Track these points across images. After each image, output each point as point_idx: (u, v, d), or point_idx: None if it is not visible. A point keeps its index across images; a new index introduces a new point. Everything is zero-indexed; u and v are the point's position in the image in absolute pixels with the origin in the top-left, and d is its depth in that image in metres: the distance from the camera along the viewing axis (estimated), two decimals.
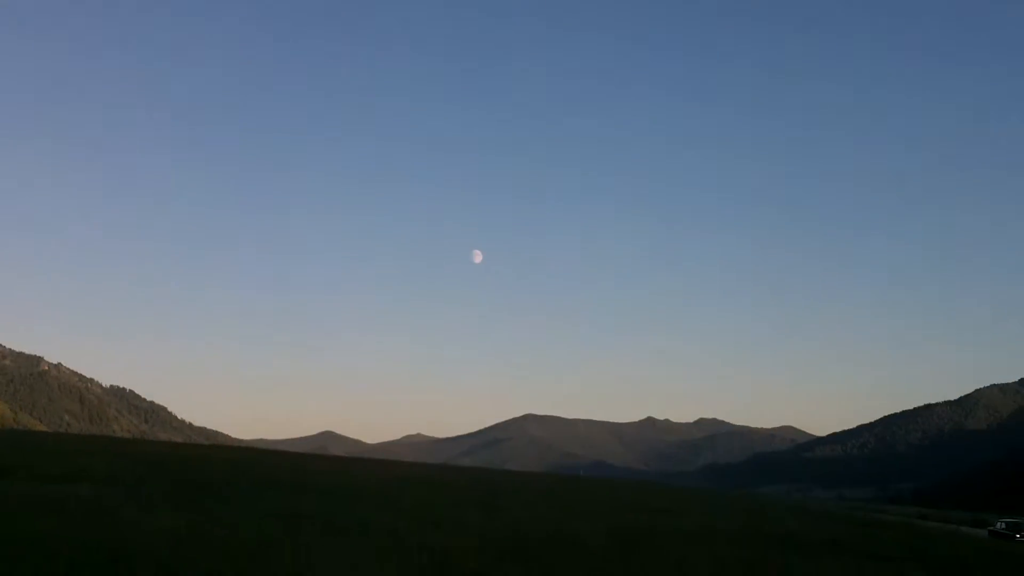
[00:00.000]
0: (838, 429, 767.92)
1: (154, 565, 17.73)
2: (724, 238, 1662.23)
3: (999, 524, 64.49)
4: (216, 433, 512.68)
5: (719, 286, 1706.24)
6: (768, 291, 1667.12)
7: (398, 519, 34.02)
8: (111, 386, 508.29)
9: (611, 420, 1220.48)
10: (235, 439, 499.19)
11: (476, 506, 43.67)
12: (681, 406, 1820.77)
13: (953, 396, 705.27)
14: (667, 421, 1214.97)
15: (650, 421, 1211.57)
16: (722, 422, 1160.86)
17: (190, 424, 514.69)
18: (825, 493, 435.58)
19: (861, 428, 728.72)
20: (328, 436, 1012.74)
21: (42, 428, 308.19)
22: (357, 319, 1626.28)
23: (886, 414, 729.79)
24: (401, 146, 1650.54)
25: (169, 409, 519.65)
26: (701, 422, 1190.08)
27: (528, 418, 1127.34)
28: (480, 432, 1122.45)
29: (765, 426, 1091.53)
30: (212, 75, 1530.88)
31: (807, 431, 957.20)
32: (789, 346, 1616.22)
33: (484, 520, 36.72)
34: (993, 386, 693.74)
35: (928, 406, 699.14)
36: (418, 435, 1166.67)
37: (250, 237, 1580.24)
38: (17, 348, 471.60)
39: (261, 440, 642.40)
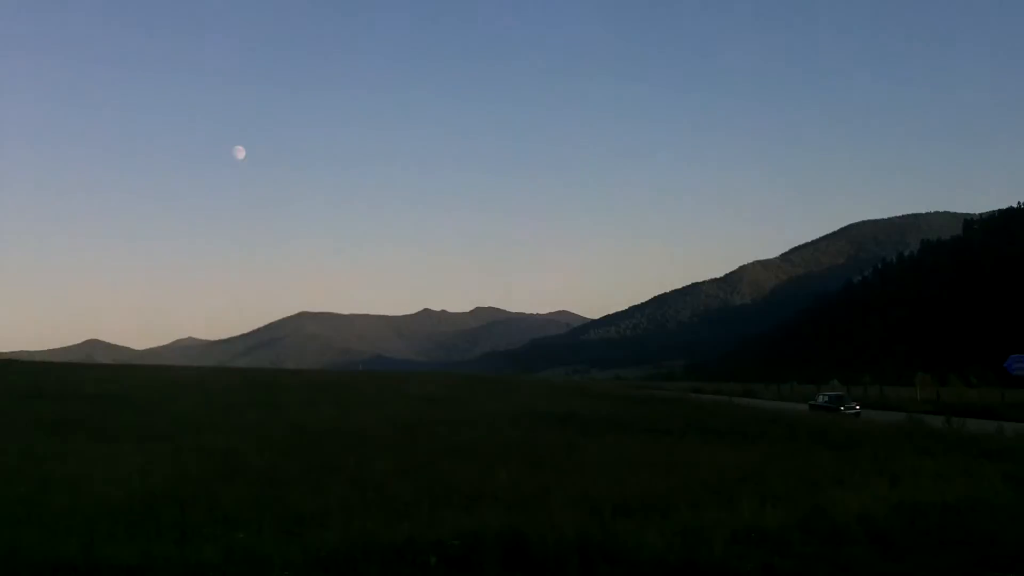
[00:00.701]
0: (612, 311, 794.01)
1: None
2: (484, 131, 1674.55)
3: (820, 398, 62.58)
4: None
5: (489, 176, 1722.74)
6: (537, 180, 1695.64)
7: (173, 423, 33.39)
8: None
9: (388, 313, 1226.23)
10: None
11: (254, 406, 43.27)
12: (457, 297, 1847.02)
13: (719, 274, 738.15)
14: (444, 312, 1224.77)
15: (427, 312, 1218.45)
16: (498, 310, 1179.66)
17: None
18: (602, 374, 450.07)
19: (633, 309, 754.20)
20: (93, 344, 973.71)
21: None
22: (116, 222, 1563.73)
23: (656, 294, 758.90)
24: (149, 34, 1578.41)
25: None
26: (478, 311, 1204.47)
27: (303, 315, 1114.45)
28: (254, 332, 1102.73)
29: (541, 312, 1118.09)
30: None
31: (582, 315, 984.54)
32: (560, 233, 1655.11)
33: (263, 419, 36.46)
34: (756, 262, 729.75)
35: (696, 284, 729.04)
36: (189, 339, 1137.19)
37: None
38: None
39: (22, 352, 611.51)
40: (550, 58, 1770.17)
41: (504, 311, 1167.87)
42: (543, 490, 17.17)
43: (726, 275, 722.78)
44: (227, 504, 15.91)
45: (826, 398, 61.44)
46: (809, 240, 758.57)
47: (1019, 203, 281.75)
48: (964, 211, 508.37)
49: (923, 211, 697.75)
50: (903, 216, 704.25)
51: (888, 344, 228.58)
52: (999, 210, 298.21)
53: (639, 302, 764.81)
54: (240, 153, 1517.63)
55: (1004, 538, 14.25)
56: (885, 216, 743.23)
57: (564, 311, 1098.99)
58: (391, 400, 52.07)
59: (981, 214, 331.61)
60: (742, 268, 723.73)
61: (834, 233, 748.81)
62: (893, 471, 20.81)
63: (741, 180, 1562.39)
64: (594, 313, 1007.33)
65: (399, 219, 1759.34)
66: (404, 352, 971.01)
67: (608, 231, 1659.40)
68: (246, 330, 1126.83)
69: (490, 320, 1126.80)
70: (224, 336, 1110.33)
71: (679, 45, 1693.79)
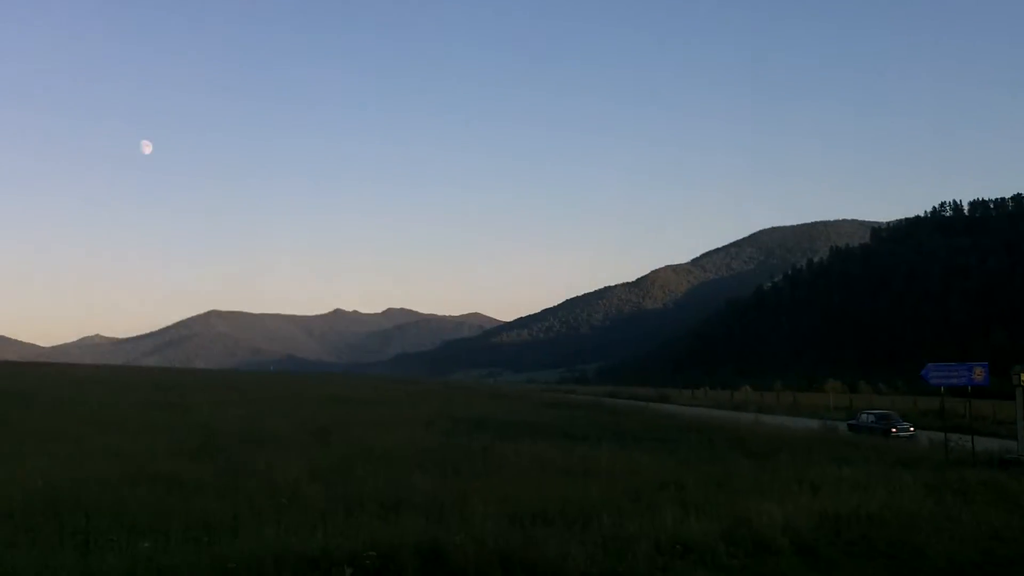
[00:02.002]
0: (524, 314, 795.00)
1: None
2: (398, 132, 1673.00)
3: (864, 417, 51.39)
4: None
5: (401, 179, 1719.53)
6: (453, 183, 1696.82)
7: (77, 423, 32.50)
8: None
9: (299, 313, 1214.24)
10: None
11: (163, 406, 42.36)
12: (368, 298, 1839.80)
13: (631, 278, 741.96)
14: (355, 312, 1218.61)
15: (338, 313, 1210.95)
16: (410, 311, 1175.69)
17: None
18: (515, 377, 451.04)
19: (546, 312, 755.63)
20: None
21: None
22: (23, 215, 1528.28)
23: (569, 297, 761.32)
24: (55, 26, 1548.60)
25: None
26: (389, 312, 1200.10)
27: (212, 314, 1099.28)
28: (163, 331, 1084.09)
29: (453, 314, 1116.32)
30: None
31: (495, 317, 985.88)
32: (473, 236, 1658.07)
33: (172, 420, 35.68)
34: (668, 267, 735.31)
35: (608, 288, 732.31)
36: (96, 336, 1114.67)
37: None
38: None
39: None
40: (461, 57, 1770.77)
41: (416, 312, 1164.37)
42: (461, 497, 16.84)
43: (638, 279, 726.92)
44: (133, 510, 15.38)
45: (871, 417, 50.78)
46: (720, 245, 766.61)
47: (925, 212, 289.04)
48: (872, 219, 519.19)
49: (832, 219, 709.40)
50: (812, 223, 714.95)
51: (798, 350, 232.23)
52: (906, 219, 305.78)
53: (551, 305, 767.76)
54: (147, 148, 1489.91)
55: (931, 551, 14.22)
56: (794, 223, 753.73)
57: (476, 313, 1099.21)
58: (303, 402, 51.42)
59: (888, 222, 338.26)
60: (654, 272, 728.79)
61: (744, 239, 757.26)
62: (813, 480, 20.77)
63: (652, 185, 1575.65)
64: (506, 316, 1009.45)
65: (311, 218, 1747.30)
66: (316, 352, 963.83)
67: (520, 234, 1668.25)
68: (154, 328, 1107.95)
69: (402, 321, 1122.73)
70: (132, 334, 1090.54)
71: (590, 47, 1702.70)
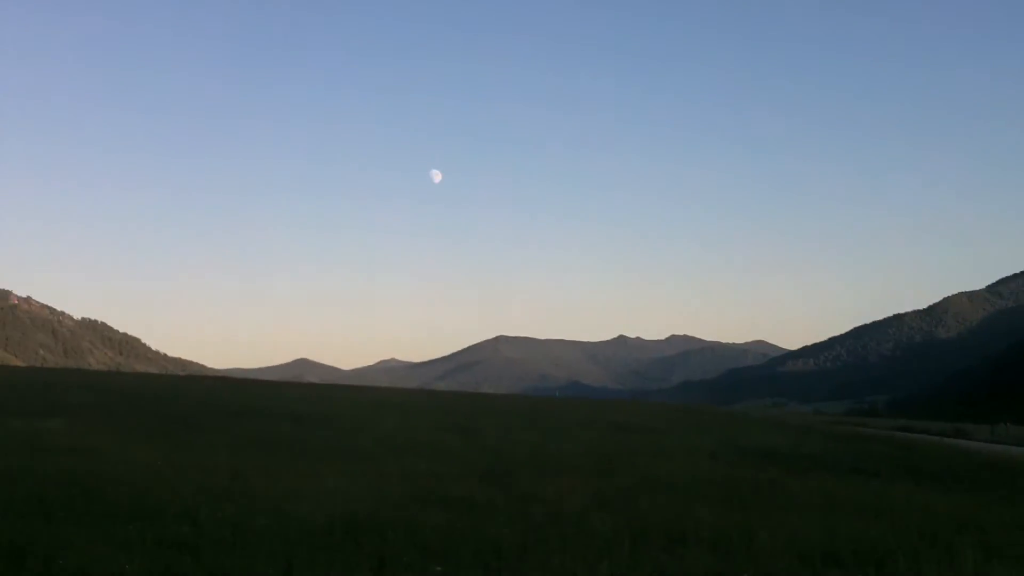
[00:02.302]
0: (810, 342, 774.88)
1: (129, 498, 17.36)
2: (696, 158, 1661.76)
3: None
4: (191, 363, 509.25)
5: (690, 205, 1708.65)
6: (736, 207, 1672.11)
7: (375, 445, 33.80)
8: (83, 319, 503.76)
9: (583, 340, 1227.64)
10: (210, 369, 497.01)
11: (454, 430, 43.52)
12: (652, 324, 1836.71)
13: (922, 305, 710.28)
14: (639, 339, 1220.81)
15: (622, 339, 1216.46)
16: (693, 338, 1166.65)
17: (165, 355, 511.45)
18: (800, 407, 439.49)
19: (832, 340, 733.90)
20: (303, 364, 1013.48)
21: (18, 363, 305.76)
22: (325, 247, 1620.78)
23: (857, 325, 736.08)
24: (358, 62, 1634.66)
25: (143, 341, 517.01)
26: (672, 339, 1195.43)
27: (501, 340, 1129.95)
28: (454, 355, 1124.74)
29: (737, 341, 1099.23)
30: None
31: (779, 345, 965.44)
32: (759, 261, 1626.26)
33: (463, 444, 36.57)
34: (961, 294, 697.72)
35: (898, 316, 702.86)
36: (392, 360, 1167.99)
37: (218, 170, 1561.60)
38: None
39: (236, 369, 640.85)
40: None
41: (700, 339, 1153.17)
42: (747, 532, 16.38)
43: (929, 306, 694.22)
44: (426, 532, 15.76)
45: None
46: (1019, 271, 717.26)
47: None
48: None
49: None
50: None
51: None
52: None
53: (838, 333, 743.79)
54: (437, 177, 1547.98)
55: None
56: None
57: (760, 340, 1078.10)
58: (588, 428, 51.61)
59: None
60: (946, 300, 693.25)
61: None
62: None
63: (944, 206, 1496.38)
64: (792, 343, 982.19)
65: (595, 246, 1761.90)
66: (599, 379, 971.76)
67: (806, 258, 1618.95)
68: (446, 352, 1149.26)
69: (685, 349, 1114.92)
70: (426, 358, 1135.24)
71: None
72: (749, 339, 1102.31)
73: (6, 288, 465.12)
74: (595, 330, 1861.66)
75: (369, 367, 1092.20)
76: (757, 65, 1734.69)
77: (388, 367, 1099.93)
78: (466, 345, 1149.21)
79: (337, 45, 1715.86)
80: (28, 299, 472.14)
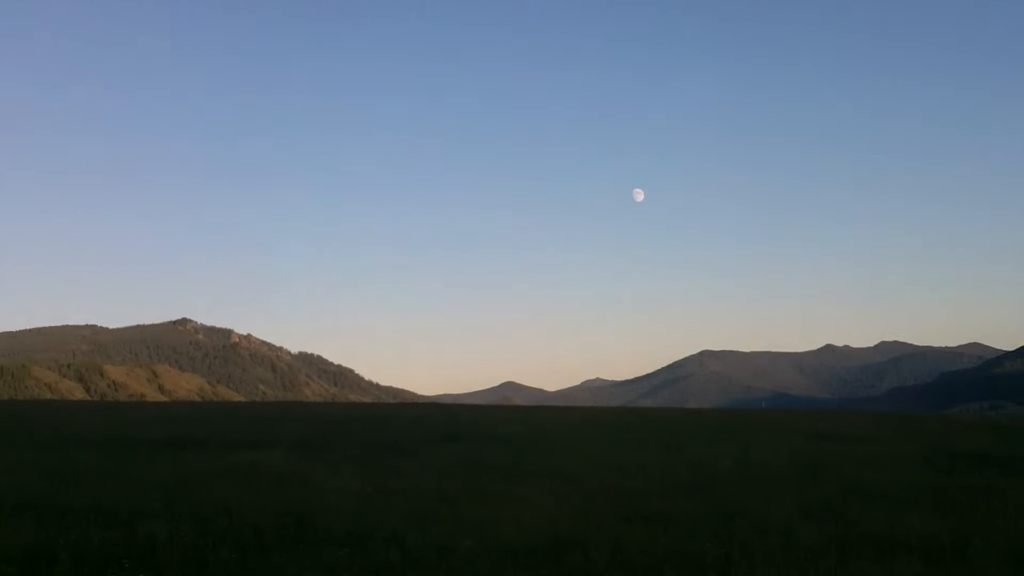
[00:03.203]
0: None
1: (341, 526, 18.05)
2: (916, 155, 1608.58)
3: None
4: (403, 391, 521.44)
5: (893, 204, 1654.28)
6: (944, 201, 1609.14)
7: (579, 464, 33.99)
8: (300, 353, 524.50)
9: (789, 350, 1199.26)
10: (420, 396, 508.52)
11: (656, 446, 43.33)
12: (859, 331, 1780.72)
13: None
14: (846, 347, 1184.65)
15: (829, 348, 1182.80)
16: (904, 344, 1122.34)
17: (377, 384, 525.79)
18: (1019, 409, 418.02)
19: None
20: (510, 386, 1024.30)
21: (238, 398, 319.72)
22: (531, 270, 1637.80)
23: None
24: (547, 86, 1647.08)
25: (356, 371, 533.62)
26: (882, 345, 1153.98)
27: (705, 354, 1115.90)
28: (658, 372, 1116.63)
29: (949, 344, 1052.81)
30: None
31: (995, 346, 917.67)
32: (970, 258, 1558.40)
33: (665, 460, 36.39)
34: None
35: None
36: (597, 379, 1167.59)
37: (418, 194, 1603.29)
38: (208, 323, 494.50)
39: (445, 395, 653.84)
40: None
41: (910, 344, 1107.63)
42: (961, 539, 15.79)
43: None
44: (629, 548, 15.84)
45: None
46: None
47: None
48: None
49: None
50: None
51: None
52: None
53: None
54: (639, 195, 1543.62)
55: None
56: None
57: (975, 343, 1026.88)
58: (793, 439, 50.51)
59: None
60: None
61: None
62: None
63: None
64: (1008, 344, 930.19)
65: (797, 254, 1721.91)
66: (806, 388, 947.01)
67: (1020, 252, 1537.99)
68: (650, 369, 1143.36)
69: (896, 354, 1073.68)
70: (630, 376, 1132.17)
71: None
72: (963, 341, 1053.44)
73: (227, 327, 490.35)
74: (801, 340, 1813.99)
75: (574, 387, 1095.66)
76: None
77: (593, 386, 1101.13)
78: (670, 361, 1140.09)
79: (552, 65, 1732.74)
80: (248, 336, 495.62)
